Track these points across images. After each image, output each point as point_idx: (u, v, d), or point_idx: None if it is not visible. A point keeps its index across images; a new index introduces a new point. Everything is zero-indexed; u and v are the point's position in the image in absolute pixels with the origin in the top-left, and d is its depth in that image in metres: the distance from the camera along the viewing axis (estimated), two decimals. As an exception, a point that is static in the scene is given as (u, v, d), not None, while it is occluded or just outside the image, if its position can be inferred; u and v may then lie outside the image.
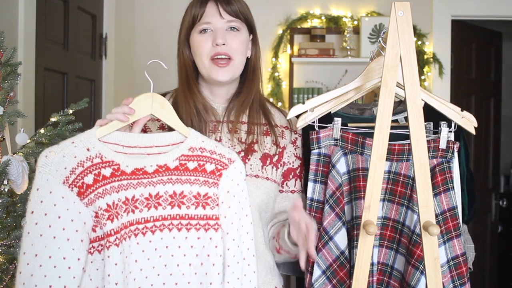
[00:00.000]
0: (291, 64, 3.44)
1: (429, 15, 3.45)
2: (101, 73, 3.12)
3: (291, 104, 3.40)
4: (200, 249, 1.15)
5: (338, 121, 1.30)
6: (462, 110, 1.32)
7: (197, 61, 1.33)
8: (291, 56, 3.44)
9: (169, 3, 3.52)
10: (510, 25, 3.80)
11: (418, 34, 3.39)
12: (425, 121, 1.15)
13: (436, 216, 1.26)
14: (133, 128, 1.18)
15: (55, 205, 1.07)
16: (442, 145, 1.29)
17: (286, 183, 1.37)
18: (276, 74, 3.50)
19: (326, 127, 1.31)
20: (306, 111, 1.33)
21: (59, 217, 1.06)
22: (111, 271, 1.06)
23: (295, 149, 1.39)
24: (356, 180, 1.31)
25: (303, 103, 1.33)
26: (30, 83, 2.32)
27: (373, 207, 1.12)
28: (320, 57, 3.38)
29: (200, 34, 1.31)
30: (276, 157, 1.36)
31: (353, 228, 1.31)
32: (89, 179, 1.09)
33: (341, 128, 1.30)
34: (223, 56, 1.29)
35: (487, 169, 3.89)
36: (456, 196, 1.30)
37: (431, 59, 3.40)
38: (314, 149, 1.30)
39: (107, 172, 1.11)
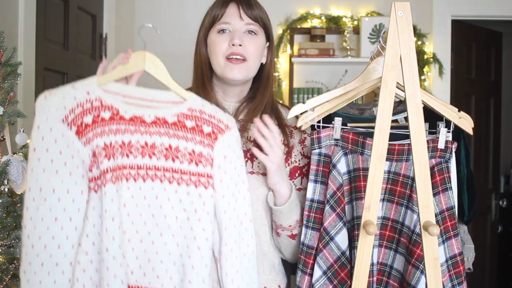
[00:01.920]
0: (291, 64, 3.44)
1: (429, 15, 3.45)
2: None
3: (291, 104, 3.40)
4: (188, 204, 1.16)
5: (338, 121, 1.30)
6: (459, 111, 1.32)
7: (212, 60, 1.35)
8: (291, 56, 3.44)
9: (169, 3, 3.52)
10: (510, 25, 3.81)
11: (418, 34, 3.39)
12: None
13: (435, 216, 1.26)
14: (129, 83, 1.21)
15: (56, 141, 1.09)
16: (441, 145, 1.29)
17: (293, 182, 1.38)
18: (276, 74, 3.50)
19: (327, 127, 1.31)
20: (307, 110, 1.33)
21: (60, 153, 1.09)
22: (108, 207, 1.09)
23: (302, 148, 1.40)
24: (357, 180, 1.31)
25: (303, 103, 1.33)
26: (30, 83, 2.32)
27: (373, 207, 1.12)
28: (320, 57, 3.38)
29: (219, 34, 1.33)
30: (285, 156, 1.37)
31: (353, 228, 1.31)
32: (88, 119, 1.11)
33: (342, 128, 1.30)
34: (238, 57, 1.31)
35: (487, 169, 3.89)
36: (454, 196, 1.30)
37: (431, 59, 3.40)
38: (314, 149, 1.30)
39: (106, 115, 1.12)
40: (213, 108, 1.22)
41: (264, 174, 1.32)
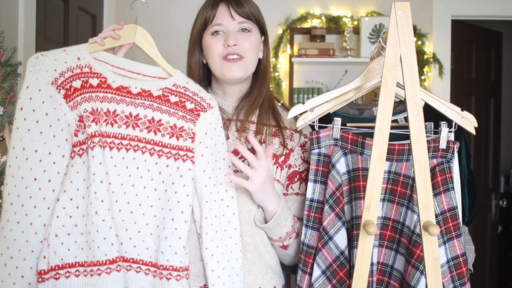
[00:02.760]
0: (291, 64, 3.44)
1: (429, 15, 3.45)
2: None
3: (291, 104, 3.40)
4: (166, 176, 1.18)
5: (338, 121, 1.30)
6: (462, 110, 1.32)
7: (209, 62, 1.35)
8: (291, 56, 3.44)
9: (169, 3, 3.52)
10: (510, 25, 3.81)
11: (418, 34, 3.39)
12: (425, 121, 1.15)
13: (436, 216, 1.26)
14: (117, 53, 1.24)
15: (43, 102, 1.10)
16: (442, 145, 1.29)
17: (291, 186, 1.37)
18: (276, 74, 3.50)
19: (326, 127, 1.31)
20: (306, 111, 1.33)
21: (46, 114, 1.10)
22: (96, 170, 1.10)
23: (303, 152, 1.39)
24: (356, 180, 1.31)
25: (303, 103, 1.33)
26: (30, 83, 2.32)
27: (373, 207, 1.12)
28: (320, 57, 3.38)
29: (212, 36, 1.32)
30: (283, 157, 1.36)
31: (352, 228, 1.31)
32: (77, 84, 1.13)
33: (341, 128, 1.30)
34: (234, 57, 1.31)
35: (487, 169, 3.89)
36: (456, 196, 1.30)
37: (431, 59, 3.40)
38: (314, 149, 1.30)
39: (94, 82, 1.15)
40: (196, 86, 1.26)
41: None
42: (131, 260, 1.17)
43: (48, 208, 1.10)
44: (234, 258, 1.23)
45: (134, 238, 1.17)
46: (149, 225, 1.17)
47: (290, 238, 1.31)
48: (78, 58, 1.16)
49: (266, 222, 1.29)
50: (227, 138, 1.33)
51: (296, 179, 1.38)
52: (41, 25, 2.46)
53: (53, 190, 1.10)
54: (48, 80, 1.11)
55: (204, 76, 1.40)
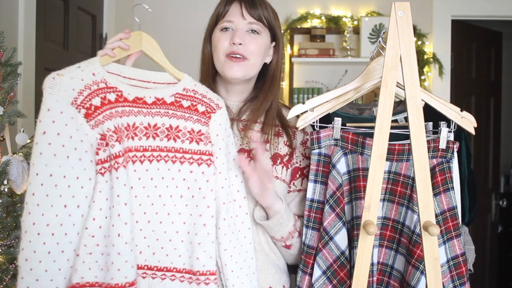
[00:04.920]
0: (291, 64, 3.44)
1: (429, 15, 3.45)
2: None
3: (291, 104, 3.40)
4: (192, 182, 1.18)
5: (338, 121, 1.30)
6: (461, 110, 1.32)
7: (214, 57, 1.36)
8: (291, 56, 3.44)
9: (169, 3, 3.52)
10: (510, 25, 3.80)
11: (418, 34, 3.39)
12: (425, 121, 1.15)
13: (436, 216, 1.26)
14: (126, 63, 1.23)
15: (66, 125, 1.06)
16: (442, 145, 1.29)
17: (293, 182, 1.38)
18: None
19: (326, 127, 1.31)
20: (306, 111, 1.33)
21: (70, 137, 1.06)
22: (120, 192, 1.08)
23: (304, 149, 1.40)
24: (356, 180, 1.31)
25: (303, 103, 1.33)
26: (30, 83, 2.32)
27: (373, 207, 1.12)
28: (320, 57, 3.38)
29: (221, 32, 1.34)
30: (287, 157, 1.37)
31: (353, 228, 1.31)
32: (96, 101, 1.10)
33: (341, 128, 1.30)
34: (237, 55, 1.31)
35: (487, 169, 3.89)
36: (456, 196, 1.30)
37: (431, 59, 3.40)
38: (314, 149, 1.30)
39: (112, 97, 1.13)
40: (203, 88, 1.26)
41: None
42: (165, 269, 1.17)
43: (78, 234, 1.07)
44: (250, 257, 1.25)
45: (166, 247, 1.16)
46: (179, 233, 1.17)
47: (292, 237, 1.31)
48: (93, 74, 1.13)
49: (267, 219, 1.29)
50: None
51: (298, 175, 1.38)
52: (41, 25, 2.46)
53: (82, 215, 1.08)
54: (67, 101, 1.07)
55: (214, 72, 1.40)
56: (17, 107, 1.80)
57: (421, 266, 1.22)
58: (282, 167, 1.36)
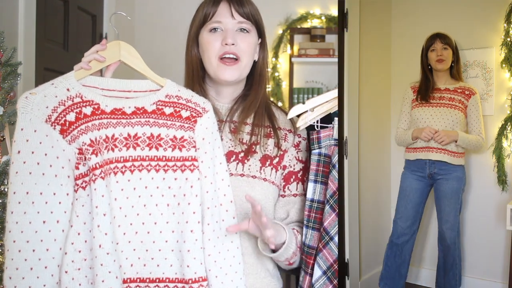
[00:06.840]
0: (291, 64, 3.44)
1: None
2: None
3: (291, 104, 3.40)
4: (177, 189, 1.17)
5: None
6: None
7: (204, 60, 1.33)
8: (291, 56, 3.44)
9: (169, 3, 3.52)
10: None
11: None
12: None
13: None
14: (105, 74, 1.21)
15: (40, 143, 1.08)
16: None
17: (288, 187, 1.36)
18: (276, 74, 3.50)
19: (327, 127, 1.31)
20: (307, 111, 1.33)
21: (45, 155, 1.08)
22: (99, 203, 1.09)
23: (297, 152, 1.38)
24: (356, 180, 1.31)
25: (303, 103, 1.33)
26: (30, 83, 2.33)
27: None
28: (320, 57, 3.38)
29: (210, 33, 1.31)
30: (277, 159, 1.35)
31: (353, 228, 1.30)
32: (71, 117, 1.11)
33: (341, 128, 1.30)
34: (231, 56, 1.30)
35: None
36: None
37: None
38: (314, 149, 1.30)
39: (88, 110, 1.13)
40: (188, 92, 1.24)
41: (255, 176, 1.31)
42: (157, 280, 1.16)
43: (60, 249, 1.08)
44: (237, 262, 1.23)
45: (156, 257, 1.16)
46: (168, 242, 1.16)
47: (296, 255, 1.30)
48: (68, 89, 1.13)
49: (273, 251, 1.26)
50: (221, 139, 1.33)
51: (292, 180, 1.37)
52: (41, 25, 2.46)
53: (63, 230, 1.09)
54: (41, 119, 1.09)
55: (202, 73, 1.38)
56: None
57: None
58: (272, 169, 1.34)
